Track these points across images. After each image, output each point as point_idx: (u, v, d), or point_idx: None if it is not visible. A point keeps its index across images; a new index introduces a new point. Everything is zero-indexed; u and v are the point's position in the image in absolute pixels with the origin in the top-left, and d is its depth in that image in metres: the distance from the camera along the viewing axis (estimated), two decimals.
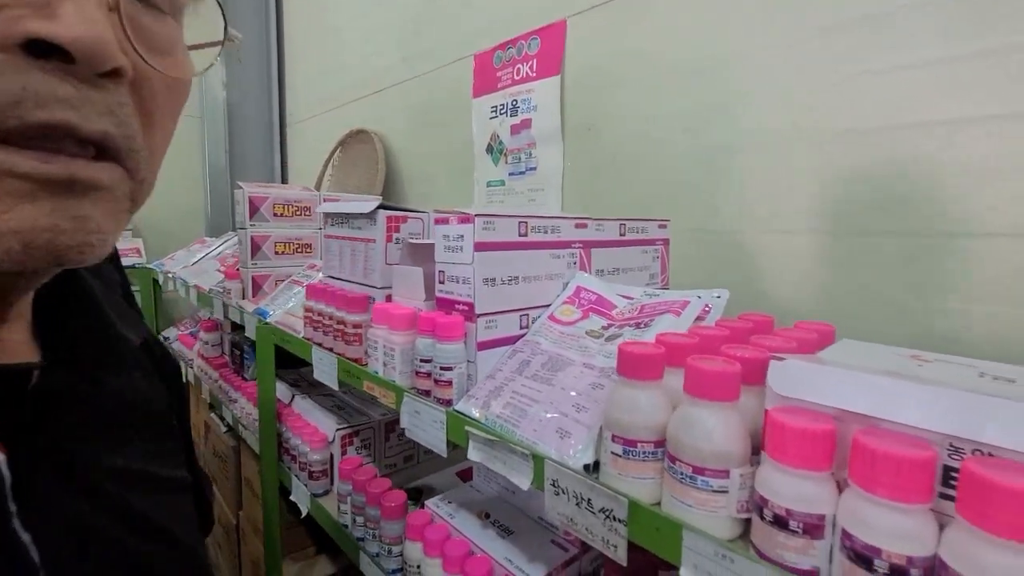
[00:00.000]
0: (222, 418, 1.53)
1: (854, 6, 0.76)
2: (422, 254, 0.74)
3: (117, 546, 0.33)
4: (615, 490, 0.42)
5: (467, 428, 0.56)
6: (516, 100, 1.30)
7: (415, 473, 1.07)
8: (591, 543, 0.44)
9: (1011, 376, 0.37)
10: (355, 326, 0.78)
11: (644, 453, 0.41)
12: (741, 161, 0.90)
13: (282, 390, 1.24)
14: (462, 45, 1.47)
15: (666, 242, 0.88)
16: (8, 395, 0.30)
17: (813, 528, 0.32)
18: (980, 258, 0.67)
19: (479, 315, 0.61)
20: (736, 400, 0.38)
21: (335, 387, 0.82)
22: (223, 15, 0.33)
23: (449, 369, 0.60)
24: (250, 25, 2.53)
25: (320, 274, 1.04)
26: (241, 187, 1.25)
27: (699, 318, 0.59)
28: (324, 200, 1.35)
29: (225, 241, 2.03)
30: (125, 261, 2.25)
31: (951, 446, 0.30)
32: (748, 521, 0.36)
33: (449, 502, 0.80)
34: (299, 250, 1.33)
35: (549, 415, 0.52)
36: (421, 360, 0.63)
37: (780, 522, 0.33)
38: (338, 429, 1.02)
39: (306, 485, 1.03)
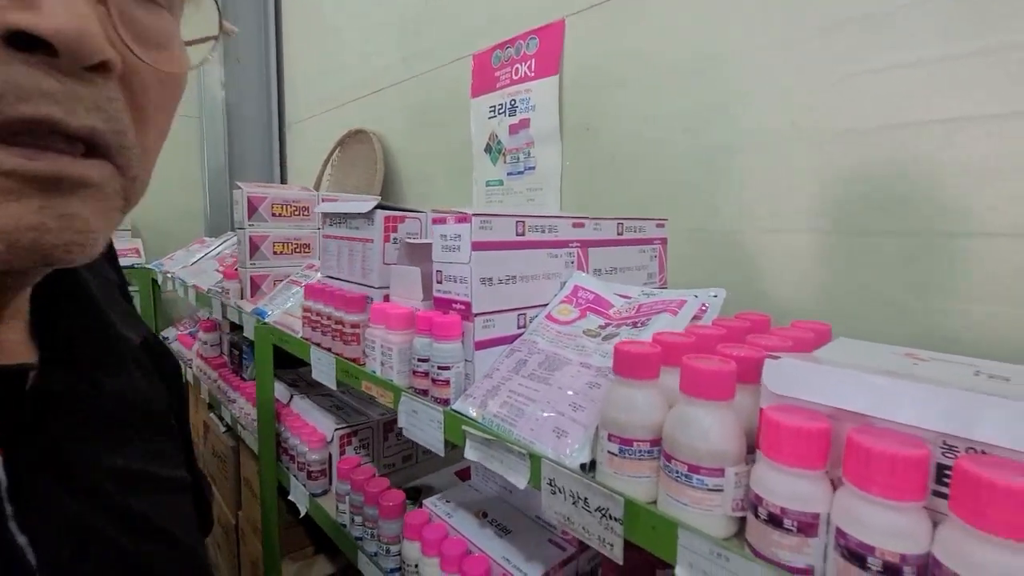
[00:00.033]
0: (221, 418, 1.53)
1: (854, 5, 0.76)
2: (420, 254, 0.74)
3: (116, 547, 0.32)
4: (611, 489, 0.42)
5: (464, 427, 0.56)
6: (515, 100, 1.30)
7: (413, 473, 1.07)
8: (588, 542, 0.44)
9: (1006, 375, 0.37)
10: (353, 326, 0.78)
11: (640, 452, 0.41)
12: (741, 161, 0.90)
13: (280, 390, 1.24)
14: (460, 45, 1.47)
15: (664, 241, 0.88)
16: (5, 396, 0.29)
17: (807, 526, 0.32)
18: (980, 258, 0.67)
19: (476, 314, 0.61)
20: (732, 399, 0.38)
21: (333, 387, 0.82)
22: (218, 8, 0.32)
23: (446, 368, 0.60)
24: (249, 25, 2.53)
25: (318, 274, 1.04)
26: (240, 187, 1.25)
27: (696, 317, 0.59)
28: (322, 200, 1.35)
29: (224, 241, 2.03)
30: (124, 261, 2.26)
31: (945, 444, 0.30)
32: (743, 520, 0.36)
33: (447, 501, 0.80)
34: (297, 250, 1.33)
35: (546, 414, 0.52)
36: (419, 360, 0.63)
37: (775, 520, 0.33)
38: (336, 429, 1.02)
39: (305, 485, 1.03)
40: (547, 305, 0.68)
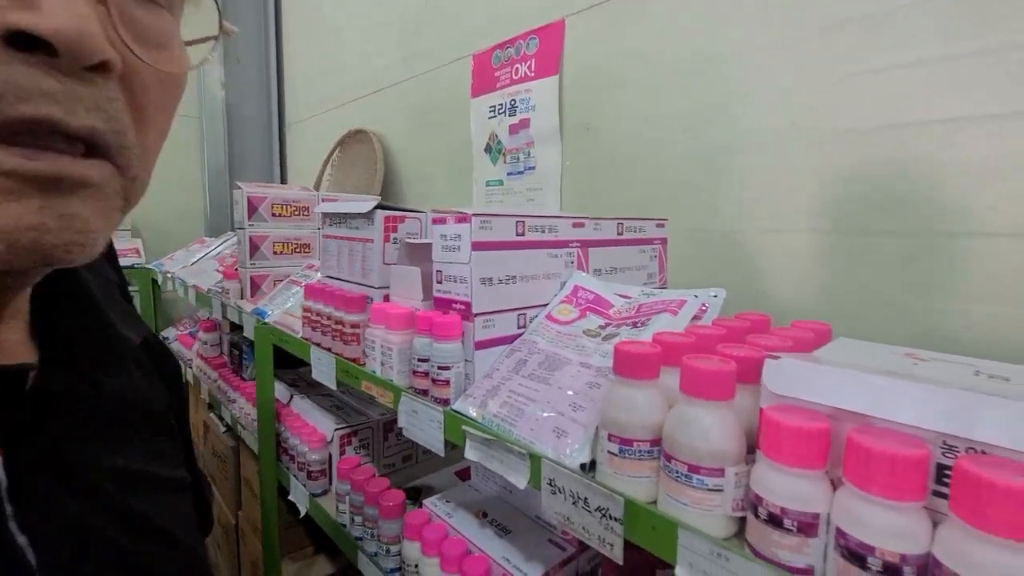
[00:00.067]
0: (221, 418, 1.53)
1: (854, 5, 0.76)
2: (420, 254, 0.74)
3: (116, 547, 0.32)
4: (611, 489, 0.42)
5: (464, 427, 0.56)
6: (515, 100, 1.30)
7: (413, 473, 1.07)
8: (588, 542, 0.44)
9: (1006, 374, 0.37)
10: (353, 326, 0.78)
11: (640, 452, 0.41)
12: (741, 161, 0.90)
13: (280, 390, 1.24)
14: (460, 45, 1.47)
15: (664, 241, 0.88)
16: (5, 396, 0.29)
17: (807, 526, 0.32)
18: (980, 258, 0.67)
19: (476, 314, 0.61)
20: (732, 399, 0.38)
21: (333, 387, 0.82)
22: (218, 8, 0.32)
23: (446, 368, 0.60)
24: (249, 25, 2.53)
25: (318, 274, 1.04)
26: (240, 187, 1.25)
27: (696, 317, 0.59)
28: (322, 200, 1.35)
29: (224, 241, 2.03)
30: (124, 261, 2.26)
31: (945, 444, 0.30)
32: (743, 520, 0.36)
33: (447, 501, 0.80)
34: (297, 250, 1.33)
35: (546, 414, 0.52)
36: (419, 360, 0.63)
37: (775, 520, 0.33)
38: (336, 429, 1.02)
39: (304, 485, 1.03)
40: (547, 305, 0.68)
